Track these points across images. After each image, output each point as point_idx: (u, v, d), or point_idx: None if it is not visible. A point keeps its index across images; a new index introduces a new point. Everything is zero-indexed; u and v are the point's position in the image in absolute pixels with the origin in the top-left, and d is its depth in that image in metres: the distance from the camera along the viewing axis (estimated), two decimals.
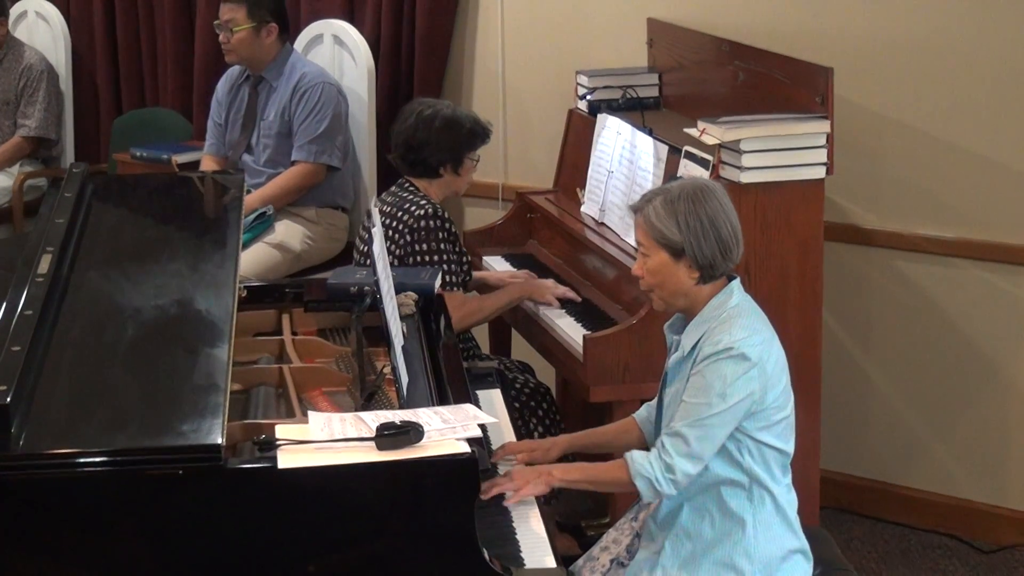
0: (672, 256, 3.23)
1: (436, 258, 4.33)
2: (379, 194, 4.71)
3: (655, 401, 3.50)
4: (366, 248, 4.28)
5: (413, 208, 4.38)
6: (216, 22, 5.50)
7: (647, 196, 3.30)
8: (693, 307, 3.27)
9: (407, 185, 4.50)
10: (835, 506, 4.97)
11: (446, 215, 4.39)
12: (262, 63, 5.50)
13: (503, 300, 4.54)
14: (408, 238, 4.35)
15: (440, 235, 4.35)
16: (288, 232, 5.43)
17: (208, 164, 5.65)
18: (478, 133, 4.51)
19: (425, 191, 4.47)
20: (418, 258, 4.33)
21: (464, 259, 4.47)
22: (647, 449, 3.46)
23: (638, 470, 3.18)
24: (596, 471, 3.34)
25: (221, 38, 5.48)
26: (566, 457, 3.51)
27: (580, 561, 3.47)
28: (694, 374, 3.19)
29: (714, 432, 3.15)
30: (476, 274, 4.70)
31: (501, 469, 3.39)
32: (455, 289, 4.35)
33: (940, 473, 4.93)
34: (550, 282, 4.56)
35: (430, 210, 4.36)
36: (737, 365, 3.15)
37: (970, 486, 4.89)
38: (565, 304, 4.49)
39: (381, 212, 4.40)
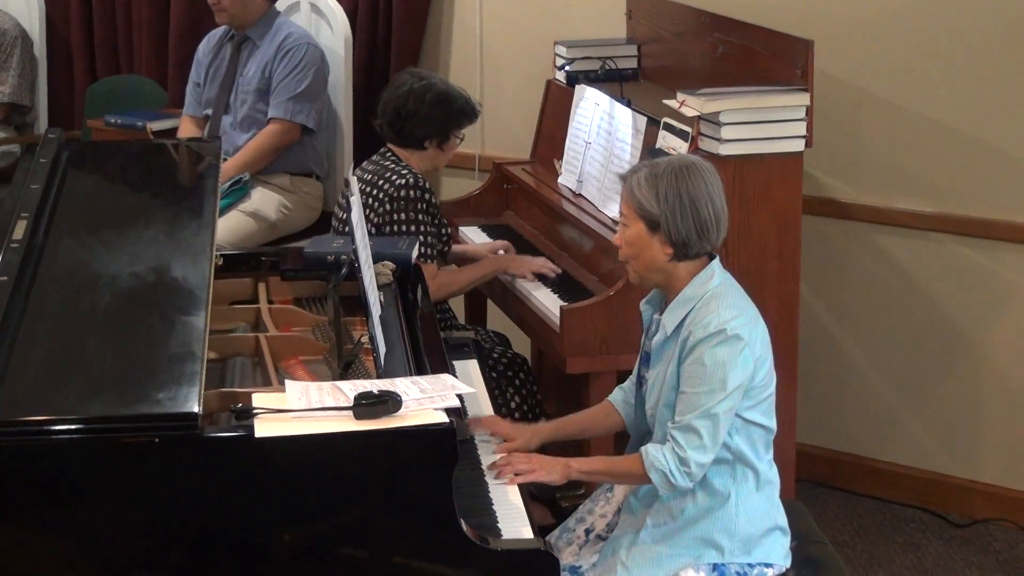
0: (648, 228, 3.21)
1: (414, 228, 4.31)
2: (357, 163, 4.69)
3: (629, 383, 3.48)
4: (344, 216, 4.26)
5: (394, 177, 4.36)
6: None
7: (636, 167, 3.29)
8: (670, 284, 3.26)
9: (388, 154, 4.48)
10: (811, 479, 4.98)
11: (427, 186, 4.37)
12: (250, 21, 5.45)
13: (477, 274, 4.52)
14: (387, 207, 4.33)
15: (419, 206, 4.33)
16: (263, 201, 5.40)
17: (186, 125, 5.61)
18: (468, 112, 4.49)
19: (407, 161, 4.45)
20: (396, 228, 4.31)
21: (443, 231, 4.45)
22: (626, 430, 3.47)
23: (652, 463, 3.16)
24: (614, 464, 3.34)
25: None
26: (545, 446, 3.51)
27: (556, 532, 3.47)
28: (690, 363, 3.16)
29: (722, 419, 3.14)
30: (456, 248, 4.68)
31: (478, 441, 3.40)
32: (430, 261, 4.33)
33: (915, 447, 4.94)
34: (539, 260, 4.53)
35: (411, 180, 4.34)
36: (732, 347, 3.14)
37: (945, 460, 4.91)
38: (541, 275, 4.48)
39: (361, 180, 4.39)
